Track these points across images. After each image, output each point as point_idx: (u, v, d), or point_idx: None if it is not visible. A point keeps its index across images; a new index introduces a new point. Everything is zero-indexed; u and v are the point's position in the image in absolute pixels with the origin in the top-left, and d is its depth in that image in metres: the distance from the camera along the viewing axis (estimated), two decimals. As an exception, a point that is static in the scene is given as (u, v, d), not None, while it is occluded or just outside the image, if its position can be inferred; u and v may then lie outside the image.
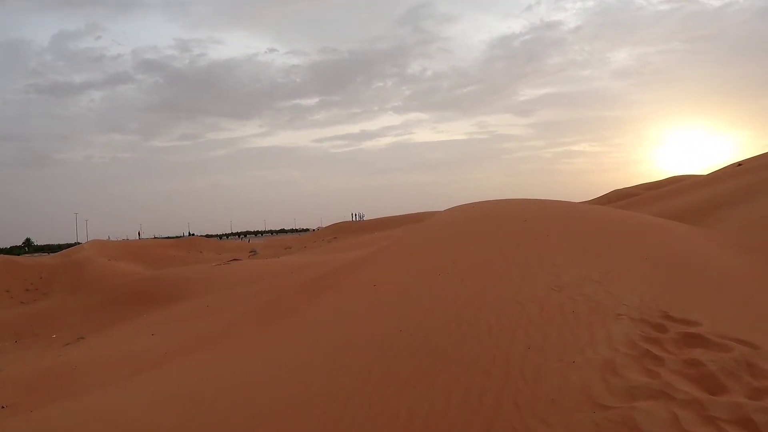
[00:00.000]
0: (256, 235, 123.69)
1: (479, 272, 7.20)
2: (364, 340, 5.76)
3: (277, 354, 6.69)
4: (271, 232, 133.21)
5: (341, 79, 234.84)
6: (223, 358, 8.03)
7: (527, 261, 7.30)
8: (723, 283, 6.89)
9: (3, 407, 9.48)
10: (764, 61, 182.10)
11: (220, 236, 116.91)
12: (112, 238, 74.27)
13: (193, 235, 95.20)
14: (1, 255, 43.31)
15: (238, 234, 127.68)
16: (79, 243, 67.46)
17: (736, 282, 7.06)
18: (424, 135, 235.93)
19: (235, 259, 36.27)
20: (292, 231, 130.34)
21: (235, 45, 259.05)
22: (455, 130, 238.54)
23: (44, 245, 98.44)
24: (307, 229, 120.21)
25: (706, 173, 36.05)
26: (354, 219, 71.67)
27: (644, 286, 5.98)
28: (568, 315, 5.06)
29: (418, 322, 5.71)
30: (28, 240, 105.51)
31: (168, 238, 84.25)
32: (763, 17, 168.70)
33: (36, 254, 71.05)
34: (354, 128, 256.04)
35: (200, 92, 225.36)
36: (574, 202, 20.13)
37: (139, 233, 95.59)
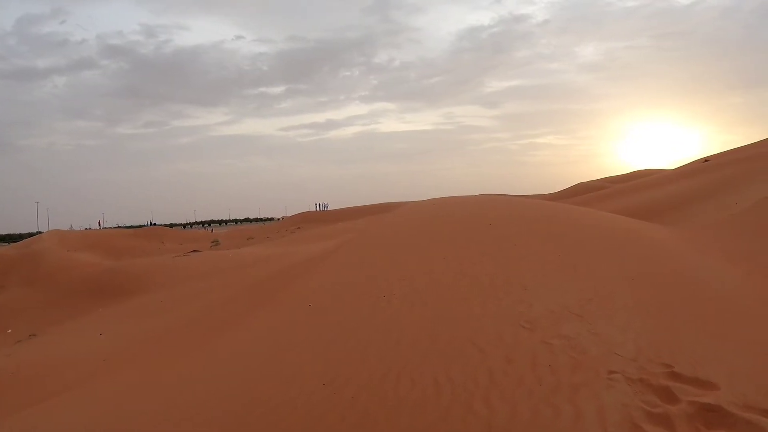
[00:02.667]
0: (219, 224, 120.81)
1: (432, 296, 5.85)
2: (279, 396, 4.36)
3: (173, 401, 5.24)
4: (236, 221, 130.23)
5: (308, 68, 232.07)
6: (137, 386, 6.62)
7: (492, 281, 5.99)
8: (723, 309, 5.74)
9: None
10: (730, 58, 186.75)
11: (184, 225, 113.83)
12: (74, 228, 71.60)
13: (155, 224, 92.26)
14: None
15: (202, 223, 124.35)
16: (40, 233, 64.37)
17: (738, 306, 5.92)
18: (390, 125, 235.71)
19: (195, 251, 34.86)
20: (256, 220, 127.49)
21: (202, 31, 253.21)
22: (421, 120, 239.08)
23: (5, 235, 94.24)
24: (271, 218, 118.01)
25: (671, 168, 35.74)
26: (318, 209, 70.30)
27: (637, 321, 4.73)
28: (544, 373, 3.75)
29: (347, 373, 4.33)
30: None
31: (131, 227, 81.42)
32: (730, 15, 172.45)
33: (-4, 244, 67.69)
34: (320, 117, 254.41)
35: (166, 79, 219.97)
36: (543, 201, 19.14)
37: (99, 222, 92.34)
